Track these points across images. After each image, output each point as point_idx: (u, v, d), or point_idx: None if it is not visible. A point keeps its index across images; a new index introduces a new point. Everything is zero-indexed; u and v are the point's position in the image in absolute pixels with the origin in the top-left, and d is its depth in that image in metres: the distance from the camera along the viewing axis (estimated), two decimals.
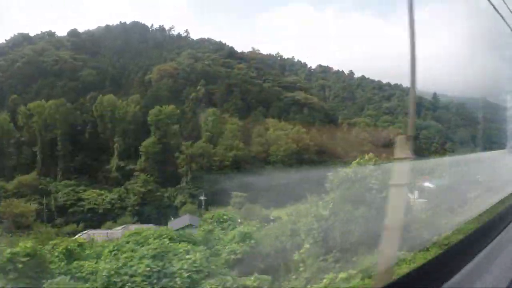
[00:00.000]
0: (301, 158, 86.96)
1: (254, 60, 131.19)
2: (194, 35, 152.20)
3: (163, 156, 78.48)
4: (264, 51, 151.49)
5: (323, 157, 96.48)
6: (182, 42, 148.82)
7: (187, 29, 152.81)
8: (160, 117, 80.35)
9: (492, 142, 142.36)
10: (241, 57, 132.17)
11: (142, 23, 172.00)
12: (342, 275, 11.00)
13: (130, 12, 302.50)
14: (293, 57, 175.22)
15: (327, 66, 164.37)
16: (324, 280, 11.90)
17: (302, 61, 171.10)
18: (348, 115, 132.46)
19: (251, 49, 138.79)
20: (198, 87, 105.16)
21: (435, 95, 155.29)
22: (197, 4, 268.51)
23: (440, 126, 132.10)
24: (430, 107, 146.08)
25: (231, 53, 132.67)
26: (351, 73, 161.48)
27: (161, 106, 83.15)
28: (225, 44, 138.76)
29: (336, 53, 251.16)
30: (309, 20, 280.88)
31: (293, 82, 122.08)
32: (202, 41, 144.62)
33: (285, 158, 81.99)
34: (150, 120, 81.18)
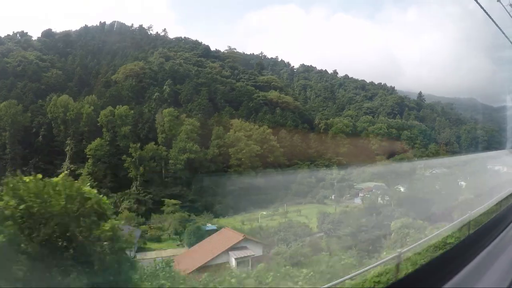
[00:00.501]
0: (265, 161, 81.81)
1: (229, 59, 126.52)
2: (175, 34, 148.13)
3: (113, 159, 73.64)
4: (248, 50, 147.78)
5: (292, 159, 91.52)
6: (159, 41, 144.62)
7: (165, 28, 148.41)
8: (110, 118, 75.56)
9: (478, 142, 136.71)
10: (217, 56, 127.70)
11: (123, 22, 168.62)
12: None
13: (124, 13, 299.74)
14: (277, 56, 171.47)
15: (310, 65, 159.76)
16: None
17: (286, 60, 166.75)
18: (328, 115, 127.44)
19: (227, 48, 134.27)
20: (164, 87, 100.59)
21: (420, 95, 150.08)
22: (187, 4, 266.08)
23: (424, 126, 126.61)
24: (414, 107, 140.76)
25: (206, 51, 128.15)
26: (335, 72, 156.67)
27: (114, 107, 78.46)
28: (201, 43, 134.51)
29: (324, 53, 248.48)
30: (298, 20, 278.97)
31: (268, 81, 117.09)
32: (178, 40, 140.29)
33: (246, 161, 76.85)
34: (100, 121, 76.38)
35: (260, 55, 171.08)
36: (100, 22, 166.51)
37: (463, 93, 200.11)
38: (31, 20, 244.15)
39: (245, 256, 29.81)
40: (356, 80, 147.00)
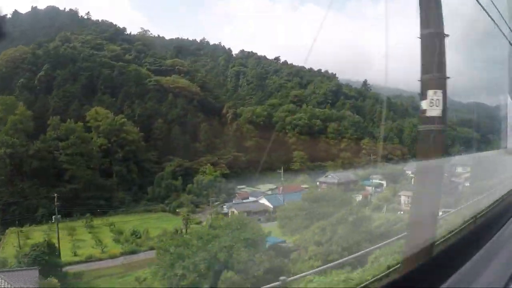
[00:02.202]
0: (115, 157, 69.75)
1: (139, 41, 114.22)
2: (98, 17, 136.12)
3: None
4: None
5: (167, 155, 79.09)
6: (78, 25, 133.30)
7: (88, 12, 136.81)
8: None
9: None
10: (126, 39, 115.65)
11: (57, 7, 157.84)
12: None
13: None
14: (220, 43, 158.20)
15: (251, 51, 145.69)
16: None
17: (227, 47, 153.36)
18: (251, 104, 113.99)
19: (140, 30, 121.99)
20: (40, 72, 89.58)
21: (365, 83, 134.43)
22: None
23: (357, 118, 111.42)
24: (354, 96, 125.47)
25: (115, 34, 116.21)
26: (276, 59, 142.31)
27: None
28: (115, 25, 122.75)
29: (286, 44, 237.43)
30: (264, 11, 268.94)
31: (173, 65, 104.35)
32: (94, 23, 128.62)
33: (81, 157, 64.85)
34: None
35: (203, 41, 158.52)
36: (32, 7, 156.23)
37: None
38: None
39: None
40: (293, 66, 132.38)
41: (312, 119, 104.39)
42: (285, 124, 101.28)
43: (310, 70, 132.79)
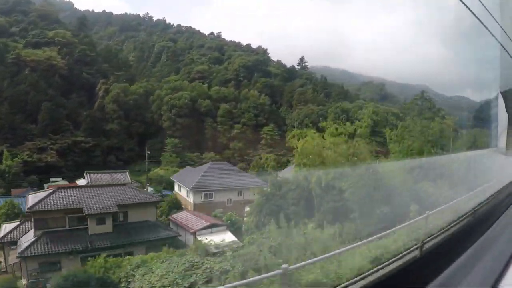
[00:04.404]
0: None
1: (34, 13, 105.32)
2: None
3: None
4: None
5: None
6: None
7: None
8: None
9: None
10: (23, 11, 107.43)
11: None
12: None
13: None
14: (163, 18, 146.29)
15: (189, 26, 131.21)
16: None
17: (170, 22, 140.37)
18: (155, 81, 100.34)
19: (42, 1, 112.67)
20: None
21: (302, 61, 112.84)
22: None
23: (264, 99, 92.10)
24: (279, 73, 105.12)
25: (15, 5, 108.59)
26: (211, 34, 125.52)
27: None
28: None
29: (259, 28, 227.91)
30: None
31: (53, 37, 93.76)
32: None
33: None
34: None
35: (145, 16, 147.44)
36: None
37: (416, 79, 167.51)
38: None
39: None
40: (223, 40, 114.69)
41: (198, 99, 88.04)
42: (162, 104, 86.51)
43: (239, 44, 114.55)
